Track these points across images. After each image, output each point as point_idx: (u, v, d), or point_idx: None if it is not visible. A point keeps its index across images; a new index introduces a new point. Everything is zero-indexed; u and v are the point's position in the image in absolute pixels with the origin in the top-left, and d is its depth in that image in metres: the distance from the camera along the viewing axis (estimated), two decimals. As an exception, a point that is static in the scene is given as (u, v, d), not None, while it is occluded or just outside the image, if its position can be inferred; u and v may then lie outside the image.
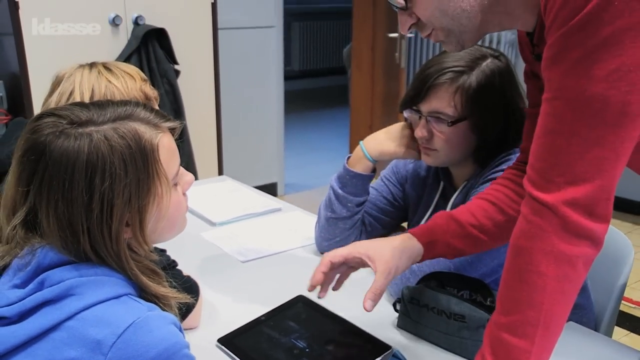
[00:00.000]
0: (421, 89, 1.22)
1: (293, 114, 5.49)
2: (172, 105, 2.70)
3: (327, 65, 7.58)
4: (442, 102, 1.20)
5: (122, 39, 2.60)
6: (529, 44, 0.97)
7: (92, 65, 1.17)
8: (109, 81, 1.14)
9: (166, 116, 0.84)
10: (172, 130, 0.84)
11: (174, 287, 0.84)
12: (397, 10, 0.94)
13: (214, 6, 2.82)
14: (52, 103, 1.15)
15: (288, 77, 4.33)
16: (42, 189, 0.74)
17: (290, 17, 6.66)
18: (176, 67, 2.72)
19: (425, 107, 1.23)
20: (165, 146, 0.81)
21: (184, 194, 0.89)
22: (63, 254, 0.76)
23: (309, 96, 7.30)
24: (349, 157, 1.37)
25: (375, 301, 0.98)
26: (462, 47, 0.96)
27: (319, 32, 7.44)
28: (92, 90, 1.13)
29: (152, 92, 1.20)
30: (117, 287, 0.76)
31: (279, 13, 3.70)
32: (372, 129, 4.06)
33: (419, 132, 1.24)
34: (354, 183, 1.35)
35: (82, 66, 1.17)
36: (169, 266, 1.10)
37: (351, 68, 4.18)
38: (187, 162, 2.77)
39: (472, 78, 1.19)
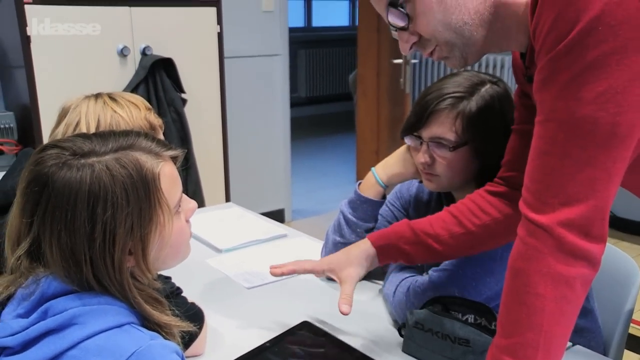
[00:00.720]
0: (422, 115, 1.23)
1: (300, 140, 5.52)
2: (179, 133, 2.73)
3: (333, 91, 7.61)
4: (444, 127, 1.21)
5: (130, 69, 2.65)
6: (521, 67, 0.99)
7: (97, 95, 1.19)
8: (115, 111, 1.16)
9: (167, 145, 0.85)
10: (174, 158, 0.85)
11: (177, 316, 0.84)
12: (396, 32, 0.94)
13: (220, 35, 2.87)
14: (59, 134, 1.17)
15: (295, 103, 4.36)
16: (46, 219, 0.75)
17: (296, 45, 6.73)
18: (183, 95, 2.75)
19: (426, 133, 1.24)
20: (167, 174, 0.82)
21: (187, 221, 0.89)
22: (66, 283, 0.76)
23: (316, 122, 7.33)
24: (359, 183, 1.39)
25: (349, 304, 1.07)
26: (465, 62, 0.96)
27: (324, 59, 7.49)
28: (98, 121, 1.15)
29: (156, 121, 1.21)
30: (119, 316, 0.76)
31: (284, 41, 3.74)
32: (378, 154, 4.08)
33: (421, 158, 1.25)
34: (364, 208, 1.37)
35: (87, 97, 1.19)
36: (172, 294, 1.11)
37: (357, 94, 4.21)
38: (195, 189, 2.79)
39: (472, 103, 1.21)
